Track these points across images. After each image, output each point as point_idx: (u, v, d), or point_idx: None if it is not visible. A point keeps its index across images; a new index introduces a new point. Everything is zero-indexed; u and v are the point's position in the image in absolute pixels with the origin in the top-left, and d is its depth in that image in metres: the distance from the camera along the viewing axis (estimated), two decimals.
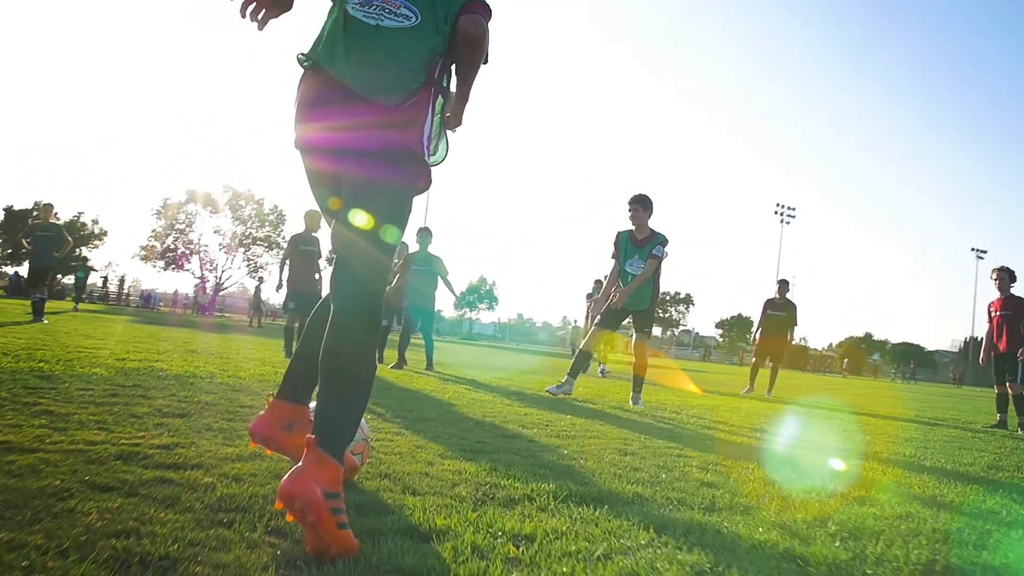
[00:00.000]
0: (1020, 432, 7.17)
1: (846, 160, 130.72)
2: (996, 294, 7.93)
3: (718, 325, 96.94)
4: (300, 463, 1.73)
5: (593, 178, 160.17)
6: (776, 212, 69.72)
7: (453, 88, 2.22)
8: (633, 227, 6.49)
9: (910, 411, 9.69)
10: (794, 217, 69.40)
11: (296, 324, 8.78)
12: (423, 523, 1.93)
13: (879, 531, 2.26)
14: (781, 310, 11.02)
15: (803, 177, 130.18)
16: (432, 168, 2.15)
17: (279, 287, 8.84)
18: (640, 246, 6.42)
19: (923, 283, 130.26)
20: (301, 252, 8.88)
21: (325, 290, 2.81)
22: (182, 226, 52.83)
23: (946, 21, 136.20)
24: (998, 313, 7.83)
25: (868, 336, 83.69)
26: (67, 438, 2.51)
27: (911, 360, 67.15)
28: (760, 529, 2.16)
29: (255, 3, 2.02)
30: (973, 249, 69.03)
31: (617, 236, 6.58)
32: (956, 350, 76.61)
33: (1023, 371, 7.44)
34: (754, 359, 11.16)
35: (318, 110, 2.03)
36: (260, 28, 2.04)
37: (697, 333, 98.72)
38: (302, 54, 2.08)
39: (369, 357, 1.94)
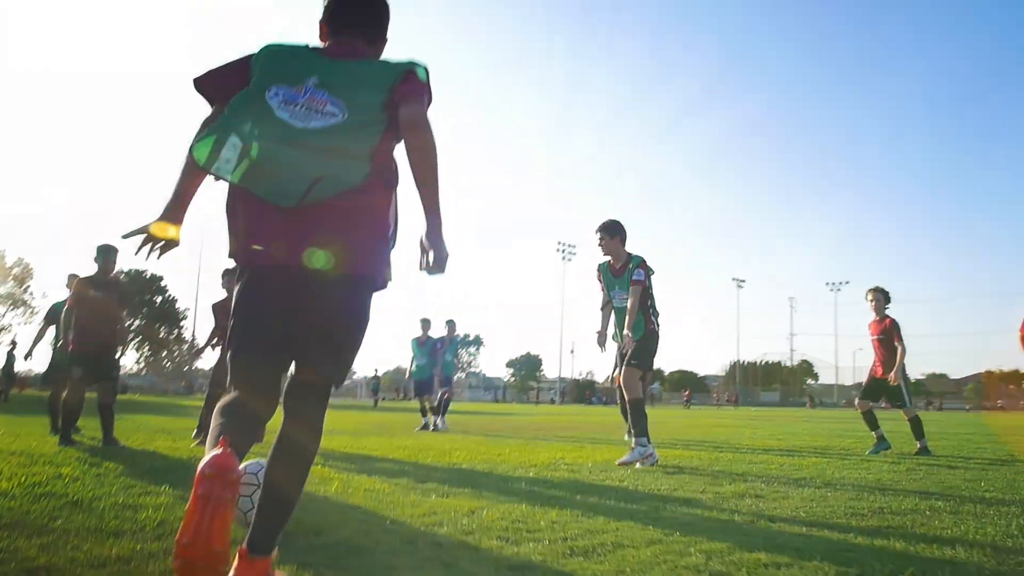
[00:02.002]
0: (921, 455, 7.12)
1: (620, 197, 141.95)
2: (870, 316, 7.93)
3: (509, 364, 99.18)
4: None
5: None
6: (558, 250, 73.80)
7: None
8: (608, 257, 6.12)
9: (814, 439, 9.67)
10: (575, 255, 73.90)
11: (79, 398, 6.32)
12: None
13: None
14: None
15: (582, 215, 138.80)
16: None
17: (63, 345, 6.61)
18: (619, 275, 6.03)
19: (691, 311, 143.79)
20: (92, 300, 6.43)
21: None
22: None
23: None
24: (875, 337, 7.82)
25: None
26: None
27: (687, 387, 73.46)
28: None
29: (151, 244, 1.90)
30: (734, 279, 79.02)
31: (598, 269, 6.24)
32: (723, 373, 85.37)
33: (908, 395, 7.55)
34: (620, 401, 10.95)
35: (267, 227, 1.84)
36: (158, 258, 1.95)
37: (484, 374, 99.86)
38: (213, 167, 1.83)
39: None
